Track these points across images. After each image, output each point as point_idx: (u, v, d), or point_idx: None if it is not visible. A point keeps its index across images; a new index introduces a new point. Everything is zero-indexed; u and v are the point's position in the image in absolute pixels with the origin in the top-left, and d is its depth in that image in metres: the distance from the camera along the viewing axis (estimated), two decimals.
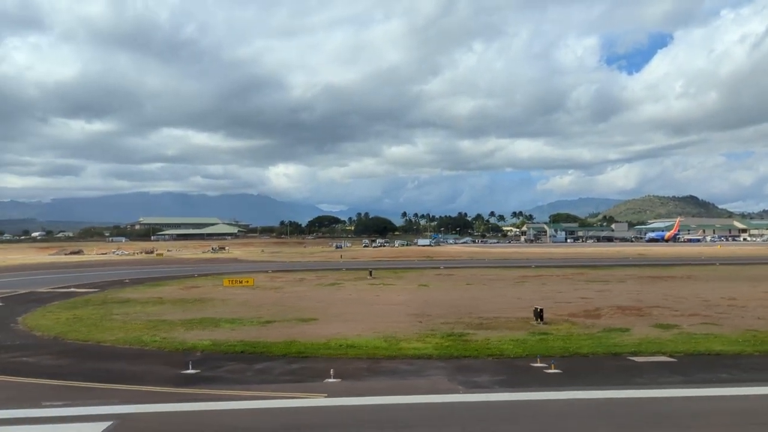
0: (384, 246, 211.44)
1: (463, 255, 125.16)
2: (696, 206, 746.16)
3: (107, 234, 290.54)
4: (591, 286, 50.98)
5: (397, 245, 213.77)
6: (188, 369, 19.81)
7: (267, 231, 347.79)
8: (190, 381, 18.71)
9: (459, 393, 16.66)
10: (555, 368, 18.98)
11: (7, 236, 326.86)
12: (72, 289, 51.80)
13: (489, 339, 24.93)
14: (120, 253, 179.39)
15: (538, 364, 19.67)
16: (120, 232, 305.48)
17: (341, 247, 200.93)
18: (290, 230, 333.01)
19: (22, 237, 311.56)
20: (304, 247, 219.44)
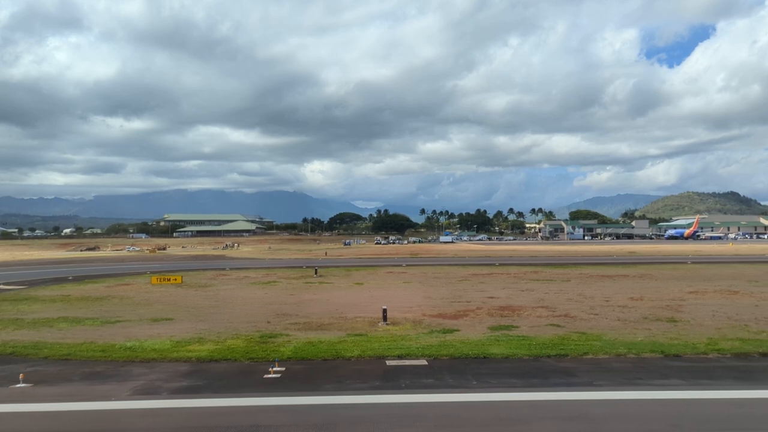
0: (393, 243, 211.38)
1: (452, 253, 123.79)
2: (737, 203, 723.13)
3: (131, 231, 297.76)
4: (523, 286, 49.94)
5: (406, 243, 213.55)
6: None
7: (290, 228, 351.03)
8: None
9: (138, 400, 16.12)
10: (274, 373, 18.49)
11: (39, 233, 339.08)
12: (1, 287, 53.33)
13: (290, 342, 24.55)
14: (131, 249, 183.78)
15: (278, 368, 19.19)
16: (144, 228, 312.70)
17: (349, 244, 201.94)
18: (312, 227, 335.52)
19: (52, 233, 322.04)
20: (317, 243, 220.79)
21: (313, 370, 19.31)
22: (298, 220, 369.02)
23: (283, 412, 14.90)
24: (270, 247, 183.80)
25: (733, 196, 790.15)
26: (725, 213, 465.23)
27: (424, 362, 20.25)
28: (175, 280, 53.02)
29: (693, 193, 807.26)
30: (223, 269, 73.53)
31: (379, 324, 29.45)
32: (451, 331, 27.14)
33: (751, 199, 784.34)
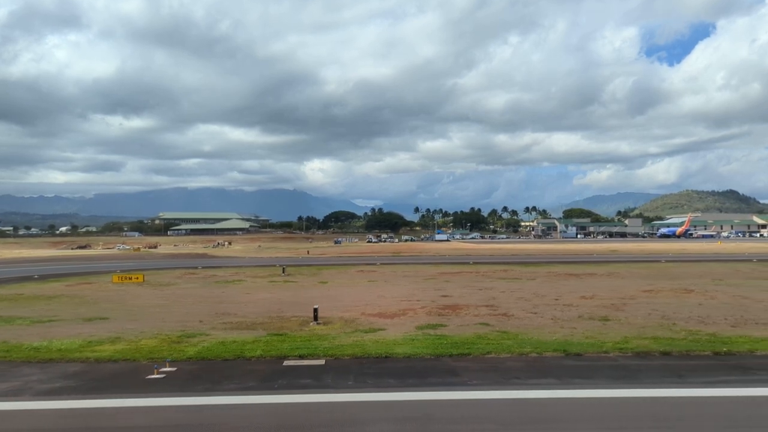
0: (384, 242, 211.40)
1: (435, 251, 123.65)
2: (736, 201, 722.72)
3: (126, 229, 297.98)
4: (484, 284, 49.80)
5: (397, 241, 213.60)
6: None
7: (285, 226, 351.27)
8: None
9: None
10: (159, 373, 18.34)
11: (34, 231, 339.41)
12: None
13: (204, 341, 24.41)
14: (121, 247, 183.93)
15: (168, 368, 19.03)
16: (139, 227, 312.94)
17: (340, 243, 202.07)
18: (307, 225, 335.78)
19: (45, 232, 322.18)
20: (310, 242, 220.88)
21: (205, 370, 19.15)
22: (312, 218, 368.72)
23: (146, 413, 14.76)
24: (260, 246, 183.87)
25: (732, 195, 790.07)
26: (723, 211, 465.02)
27: (322, 362, 20.09)
28: (137, 279, 52.92)
29: (692, 191, 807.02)
30: (195, 268, 73.45)
31: (310, 324, 29.31)
32: (375, 330, 26.98)
33: (750, 198, 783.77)
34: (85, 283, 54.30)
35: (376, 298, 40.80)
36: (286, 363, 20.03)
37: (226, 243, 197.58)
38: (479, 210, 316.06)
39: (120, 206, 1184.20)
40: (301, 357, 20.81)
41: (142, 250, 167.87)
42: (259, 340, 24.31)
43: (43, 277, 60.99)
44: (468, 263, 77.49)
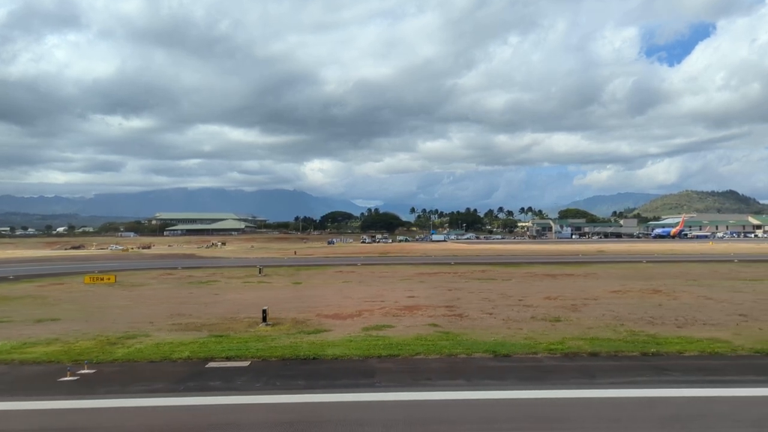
0: (378, 242, 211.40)
1: (422, 252, 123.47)
2: (736, 201, 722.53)
3: (122, 229, 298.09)
4: (455, 285, 49.64)
5: (390, 242, 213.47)
6: None
7: (282, 226, 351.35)
8: None
9: None
10: (72, 375, 18.23)
11: (31, 231, 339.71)
12: None
13: (141, 343, 24.31)
14: (114, 248, 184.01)
15: (86, 370, 18.92)
16: (136, 227, 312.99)
17: (333, 243, 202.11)
18: (304, 225, 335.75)
19: (40, 232, 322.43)
20: (304, 242, 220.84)
21: (122, 372, 19.03)
22: (309, 219, 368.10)
23: (49, 415, 14.67)
24: (253, 246, 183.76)
25: (731, 195, 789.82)
26: (722, 212, 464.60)
27: (246, 364, 19.97)
28: (108, 279, 52.86)
29: (692, 191, 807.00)
30: (175, 268, 73.38)
31: (259, 325, 29.22)
32: (320, 331, 26.89)
33: (750, 198, 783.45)
34: (58, 283, 54.22)
35: (341, 299, 40.75)
36: (209, 365, 19.91)
37: (219, 243, 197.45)
38: (475, 210, 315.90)
39: (120, 206, 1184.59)
40: (228, 359, 20.69)
41: (134, 250, 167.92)
42: (196, 341, 24.19)
43: (18, 278, 60.93)
44: (450, 264, 77.38)
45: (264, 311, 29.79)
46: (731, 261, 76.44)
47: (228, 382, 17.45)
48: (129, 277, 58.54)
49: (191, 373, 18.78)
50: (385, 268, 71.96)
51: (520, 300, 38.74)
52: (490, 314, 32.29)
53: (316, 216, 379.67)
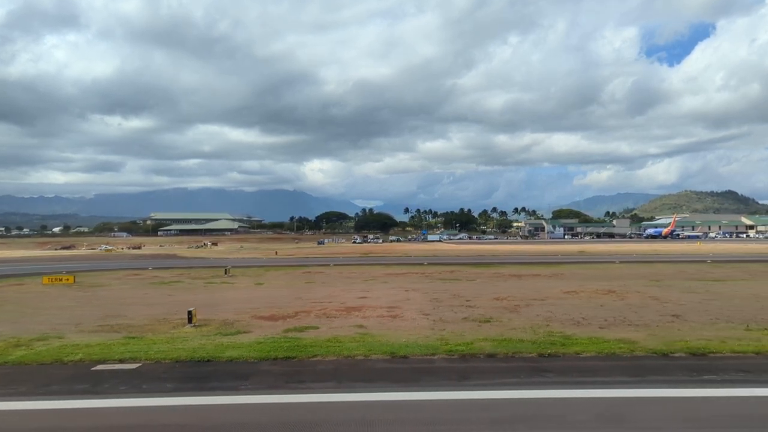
0: (369, 242, 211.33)
1: (403, 252, 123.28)
2: (735, 201, 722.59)
3: (116, 229, 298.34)
4: (417, 285, 49.50)
5: (380, 242, 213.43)
6: None
7: (277, 226, 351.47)
8: None
9: None
10: None
11: (26, 231, 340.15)
12: None
13: (47, 345, 24.16)
14: (104, 248, 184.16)
15: None
16: (130, 227, 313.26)
17: (323, 243, 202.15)
18: (299, 225, 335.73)
19: (33, 232, 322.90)
20: (296, 242, 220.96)
21: (5, 375, 18.91)
22: (304, 219, 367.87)
23: None
24: (242, 246, 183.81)
25: (731, 195, 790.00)
26: (720, 212, 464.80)
27: (135, 366, 19.76)
28: (67, 280, 52.73)
29: (691, 192, 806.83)
30: (146, 268, 73.25)
31: (185, 326, 29.09)
32: (242, 332, 26.76)
33: (749, 198, 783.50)
34: (17, 284, 54.12)
35: (291, 300, 40.61)
36: (97, 367, 19.67)
37: (209, 244, 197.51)
38: (470, 211, 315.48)
39: (120, 207, 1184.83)
40: (120, 361, 20.49)
41: (119, 250, 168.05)
42: (102, 343, 23.98)
43: None
44: (423, 264, 77.20)
45: (189, 312, 29.64)
46: (705, 261, 76.22)
47: (107, 384, 17.26)
48: (93, 278, 58.40)
49: (75, 375, 18.58)
50: (357, 268, 71.76)
51: (467, 301, 38.54)
52: (426, 315, 32.10)
53: (318, 216, 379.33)
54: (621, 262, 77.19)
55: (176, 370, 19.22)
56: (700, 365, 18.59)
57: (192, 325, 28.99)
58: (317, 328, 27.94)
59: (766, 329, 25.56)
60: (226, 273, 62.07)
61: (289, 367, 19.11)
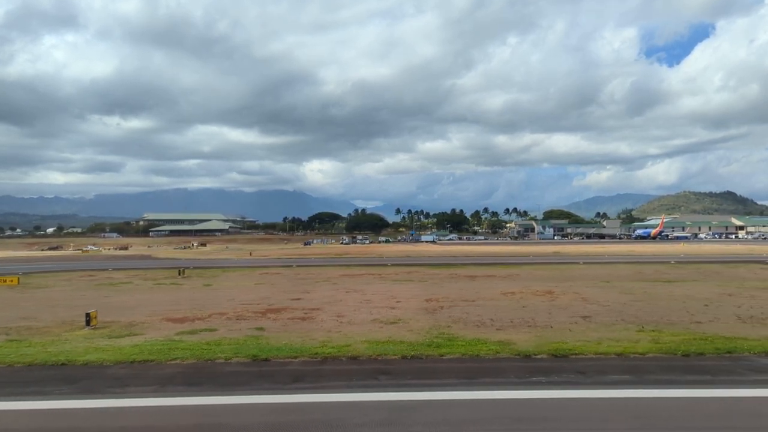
0: (357, 243, 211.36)
1: (378, 254, 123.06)
2: (733, 202, 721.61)
3: (107, 230, 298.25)
4: (363, 287, 49.16)
5: (368, 242, 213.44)
6: None
7: (270, 227, 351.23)
8: None
9: None
10: None
11: (19, 231, 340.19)
12: None
13: None
14: (89, 248, 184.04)
15: None
16: (123, 227, 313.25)
17: (310, 244, 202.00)
18: (292, 226, 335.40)
19: (21, 233, 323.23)
20: (285, 243, 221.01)
21: None
22: (298, 220, 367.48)
23: None
24: (227, 247, 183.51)
25: (729, 196, 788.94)
26: (719, 213, 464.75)
27: None
28: (11, 281, 52.47)
29: (689, 192, 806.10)
30: (106, 269, 73.02)
31: (83, 328, 28.83)
32: (134, 335, 26.51)
33: (747, 199, 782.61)
34: None
35: (222, 302, 40.26)
36: None
37: (196, 244, 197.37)
38: (462, 212, 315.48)
39: (120, 207, 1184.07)
40: None
41: (110, 251, 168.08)
42: None
43: None
44: (386, 265, 76.90)
45: (88, 315, 29.35)
46: (669, 262, 75.89)
47: None
48: (43, 279, 58.13)
49: None
50: (318, 269, 71.49)
51: (397, 302, 38.21)
52: (340, 317, 31.82)
53: (314, 216, 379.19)
54: (586, 263, 76.78)
55: (22, 373, 18.93)
56: (551, 367, 18.27)
57: (90, 327, 28.70)
58: (214, 330, 27.65)
59: (655, 331, 25.25)
60: (180, 274, 61.78)
61: (138, 370, 18.83)
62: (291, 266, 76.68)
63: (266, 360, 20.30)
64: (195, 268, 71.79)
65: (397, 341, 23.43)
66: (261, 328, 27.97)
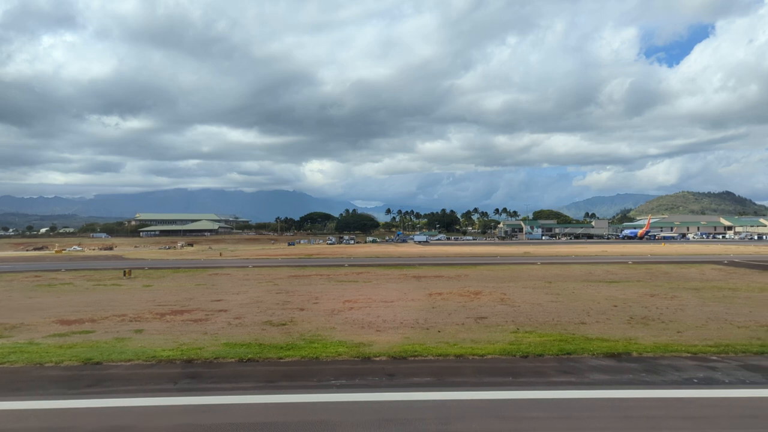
0: (343, 243, 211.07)
1: (347, 255, 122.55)
2: (732, 202, 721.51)
3: (97, 230, 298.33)
4: (300, 288, 48.67)
5: (353, 242, 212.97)
6: None
7: (262, 227, 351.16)
8: None
9: None
10: None
11: (12, 232, 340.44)
12: None
13: None
14: (73, 249, 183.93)
15: None
16: (115, 228, 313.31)
17: (294, 244, 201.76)
18: (284, 226, 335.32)
19: (12, 233, 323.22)
20: (273, 243, 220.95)
21: None
22: (290, 220, 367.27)
23: None
24: (210, 248, 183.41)
25: (728, 196, 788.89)
26: (718, 213, 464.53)
27: None
28: None
29: (688, 192, 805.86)
30: (58, 270, 72.52)
31: None
32: (2, 337, 26.03)
33: (746, 199, 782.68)
34: None
35: (139, 302, 39.75)
36: None
37: (182, 245, 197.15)
38: (452, 212, 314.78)
39: (120, 207, 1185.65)
40: None
41: (95, 251, 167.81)
42: None
43: None
44: (344, 266, 76.39)
45: None
46: (625, 263, 75.36)
47: None
48: None
49: None
50: (273, 270, 70.91)
51: (315, 303, 37.71)
52: (239, 318, 31.35)
53: (313, 216, 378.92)
54: (544, 263, 76.14)
55: None
56: (382, 369, 17.72)
57: None
58: (91, 332, 27.10)
59: (529, 332, 24.67)
60: (125, 275, 61.25)
61: (37, 372, 18.34)
62: (247, 267, 76.14)
63: (98, 363, 19.75)
64: (150, 268, 71.26)
65: (264, 345, 22.79)
66: (140, 330, 27.43)
